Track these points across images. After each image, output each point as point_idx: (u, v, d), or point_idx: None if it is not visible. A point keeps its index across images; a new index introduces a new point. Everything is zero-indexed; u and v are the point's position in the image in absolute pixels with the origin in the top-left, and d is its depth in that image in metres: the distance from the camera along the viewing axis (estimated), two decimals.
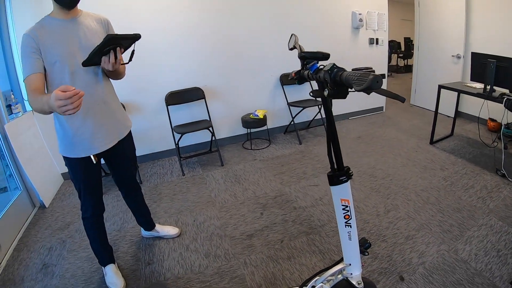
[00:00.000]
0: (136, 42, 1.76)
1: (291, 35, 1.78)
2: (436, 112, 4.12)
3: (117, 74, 2.01)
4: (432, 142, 4.25)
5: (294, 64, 4.71)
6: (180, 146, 4.12)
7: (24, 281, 2.42)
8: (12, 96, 3.48)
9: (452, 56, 5.19)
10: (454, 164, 3.61)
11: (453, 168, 3.52)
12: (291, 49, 1.76)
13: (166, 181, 3.79)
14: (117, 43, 1.70)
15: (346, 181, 1.52)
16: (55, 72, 1.77)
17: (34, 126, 3.69)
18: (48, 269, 2.52)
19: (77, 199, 3.42)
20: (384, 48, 5.53)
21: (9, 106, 3.38)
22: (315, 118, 5.04)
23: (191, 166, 4.17)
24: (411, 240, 2.44)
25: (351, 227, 1.56)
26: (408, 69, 10.00)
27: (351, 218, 1.54)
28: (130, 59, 1.85)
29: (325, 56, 1.47)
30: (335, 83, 1.18)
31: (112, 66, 1.74)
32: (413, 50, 9.61)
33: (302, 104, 4.59)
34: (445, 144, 4.21)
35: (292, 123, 4.74)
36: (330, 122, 1.47)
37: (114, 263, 2.37)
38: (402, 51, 10.26)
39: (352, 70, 1.12)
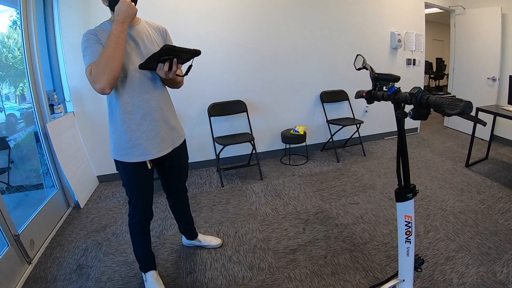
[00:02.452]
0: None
1: (357, 55, 1.78)
2: (473, 135, 4.04)
3: (173, 83, 2.02)
4: (467, 165, 4.17)
5: (334, 83, 4.79)
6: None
7: (57, 280, 2.39)
8: (55, 96, 3.52)
9: (488, 78, 5.07)
10: (490, 188, 3.54)
11: (489, 191, 3.45)
12: (358, 69, 1.76)
13: (204, 191, 3.77)
14: (174, 55, 1.72)
15: (411, 198, 1.56)
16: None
17: (74, 127, 3.71)
18: (83, 270, 2.49)
19: (114, 202, 3.56)
20: (420, 68, 5.47)
21: (51, 106, 3.40)
22: (352, 137, 4.97)
23: (229, 178, 4.15)
24: (451, 261, 2.39)
25: (410, 243, 1.60)
26: (439, 90, 9.81)
27: (411, 234, 1.59)
28: (186, 73, 1.87)
29: (397, 79, 1.50)
30: (420, 105, 1.27)
31: (165, 75, 1.75)
32: (444, 71, 9.51)
33: (342, 122, 4.55)
34: (480, 167, 4.12)
35: (331, 140, 4.69)
36: (402, 140, 1.52)
37: (156, 270, 2.31)
38: (433, 71, 10.03)
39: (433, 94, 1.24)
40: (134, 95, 1.81)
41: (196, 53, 1.72)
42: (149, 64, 1.75)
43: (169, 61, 1.71)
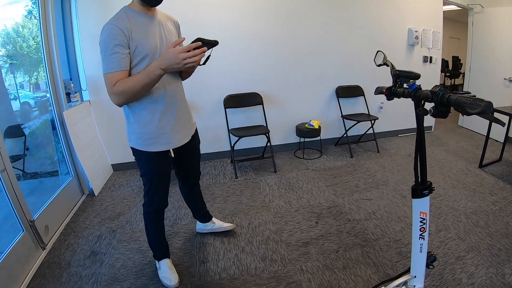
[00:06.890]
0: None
1: (377, 51, 1.77)
2: (487, 136, 3.99)
3: (188, 73, 2.06)
4: (481, 165, 4.11)
5: (350, 78, 4.77)
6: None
7: (70, 266, 2.43)
8: (72, 85, 3.55)
9: (504, 79, 4.96)
10: (502, 190, 3.48)
11: (502, 193, 3.40)
12: (379, 65, 1.75)
13: (218, 182, 3.80)
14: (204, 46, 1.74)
15: (428, 194, 1.57)
16: (141, 68, 1.73)
17: (90, 116, 3.75)
18: (96, 256, 2.53)
19: (128, 190, 3.59)
20: (437, 66, 5.38)
21: (68, 94, 3.44)
22: (366, 133, 4.95)
23: (243, 169, 4.17)
24: (461, 261, 2.37)
25: (424, 240, 1.61)
26: (455, 89, 9.64)
27: (425, 231, 1.60)
28: (204, 63, 1.88)
29: (417, 76, 1.51)
30: (441, 104, 1.29)
31: (193, 65, 1.76)
32: (460, 69, 9.34)
33: (357, 118, 4.53)
34: (494, 169, 4.05)
35: (345, 135, 4.67)
36: (421, 137, 1.53)
37: (169, 258, 2.34)
38: (449, 70, 9.83)
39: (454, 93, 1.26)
40: (159, 86, 1.81)
41: (216, 43, 1.73)
42: None
43: None
